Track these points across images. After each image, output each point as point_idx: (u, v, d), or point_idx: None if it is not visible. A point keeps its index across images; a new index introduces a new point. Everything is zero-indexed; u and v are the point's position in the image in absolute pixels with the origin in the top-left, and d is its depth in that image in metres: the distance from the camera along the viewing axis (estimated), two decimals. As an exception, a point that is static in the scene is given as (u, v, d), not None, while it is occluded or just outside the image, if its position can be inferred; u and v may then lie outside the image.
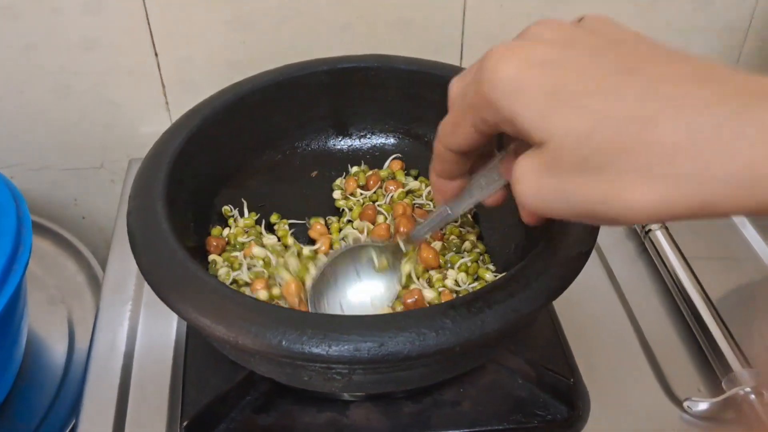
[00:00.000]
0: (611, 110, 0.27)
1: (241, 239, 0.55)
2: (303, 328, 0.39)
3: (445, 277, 0.51)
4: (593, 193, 0.28)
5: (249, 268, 0.52)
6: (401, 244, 0.49)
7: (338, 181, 0.61)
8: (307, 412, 0.50)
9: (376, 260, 0.50)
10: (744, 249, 0.64)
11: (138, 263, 0.45)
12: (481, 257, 0.54)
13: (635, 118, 0.27)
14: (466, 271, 0.52)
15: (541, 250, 0.43)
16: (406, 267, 0.50)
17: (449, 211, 0.44)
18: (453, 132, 0.36)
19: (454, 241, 0.55)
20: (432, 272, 0.52)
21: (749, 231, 0.65)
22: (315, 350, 0.38)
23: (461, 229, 0.56)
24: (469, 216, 0.57)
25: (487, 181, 0.40)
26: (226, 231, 0.56)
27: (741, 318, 0.56)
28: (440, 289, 0.50)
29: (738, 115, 0.25)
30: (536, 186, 0.30)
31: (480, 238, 0.56)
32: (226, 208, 0.57)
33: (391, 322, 0.39)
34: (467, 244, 0.54)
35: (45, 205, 0.81)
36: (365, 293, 0.50)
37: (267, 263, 0.53)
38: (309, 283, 0.50)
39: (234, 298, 0.41)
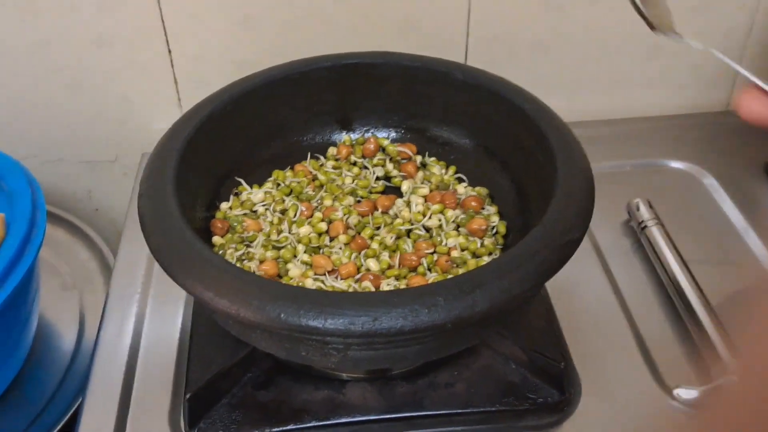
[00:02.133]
0: None
1: (236, 212, 0.57)
2: (301, 302, 0.41)
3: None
4: None
5: (251, 243, 0.54)
6: None
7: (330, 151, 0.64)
8: (305, 389, 0.51)
9: None
10: (744, 254, 0.65)
11: (147, 242, 0.47)
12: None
13: None
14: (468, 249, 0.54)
15: (534, 235, 0.44)
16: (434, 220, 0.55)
17: None
18: None
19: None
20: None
21: (751, 238, 0.66)
22: (311, 323, 0.40)
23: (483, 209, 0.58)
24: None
25: None
26: (224, 205, 0.58)
27: (731, 309, 0.57)
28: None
29: None
30: None
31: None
32: (242, 187, 0.59)
33: (386, 298, 0.41)
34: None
35: (60, 197, 0.83)
36: None
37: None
38: None
39: (236, 274, 0.43)
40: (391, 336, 0.40)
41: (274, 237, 0.56)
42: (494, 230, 0.56)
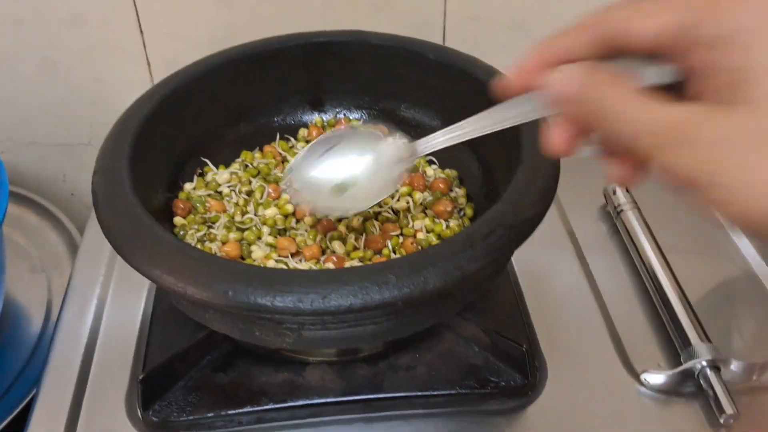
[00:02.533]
0: None
1: (200, 192, 0.56)
2: (249, 279, 0.40)
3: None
4: None
5: (213, 224, 0.53)
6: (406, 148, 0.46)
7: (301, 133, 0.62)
8: (265, 371, 0.50)
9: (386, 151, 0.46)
10: (721, 241, 0.63)
11: (98, 219, 0.46)
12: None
13: None
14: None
15: (491, 213, 0.43)
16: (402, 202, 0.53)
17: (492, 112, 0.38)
18: (647, 16, 0.30)
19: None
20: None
21: (743, 241, 0.64)
22: (260, 301, 0.39)
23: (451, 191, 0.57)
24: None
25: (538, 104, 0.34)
26: (188, 186, 0.56)
27: (703, 295, 0.56)
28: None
29: None
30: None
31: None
32: (207, 167, 0.58)
33: (337, 276, 0.40)
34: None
35: (34, 180, 0.82)
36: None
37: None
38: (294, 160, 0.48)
39: (185, 251, 0.42)
40: (342, 314, 0.39)
41: (238, 218, 0.55)
42: (462, 212, 0.55)
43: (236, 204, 0.56)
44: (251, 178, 0.58)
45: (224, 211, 0.55)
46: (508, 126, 0.38)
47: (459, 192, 0.56)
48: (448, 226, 0.53)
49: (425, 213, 0.55)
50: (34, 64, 0.74)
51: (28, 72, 0.74)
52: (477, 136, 0.41)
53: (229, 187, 0.57)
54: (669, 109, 0.28)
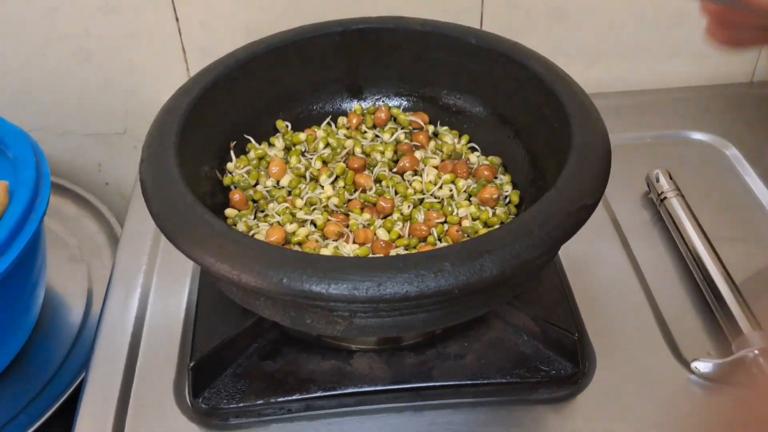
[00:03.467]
0: None
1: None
2: (304, 267, 0.40)
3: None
4: None
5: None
6: None
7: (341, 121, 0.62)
8: (312, 359, 0.50)
9: None
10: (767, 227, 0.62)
11: (149, 208, 0.46)
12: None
13: None
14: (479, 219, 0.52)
15: (546, 200, 0.43)
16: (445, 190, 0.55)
17: None
18: None
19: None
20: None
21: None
22: (315, 288, 0.39)
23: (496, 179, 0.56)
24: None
25: None
26: (230, 165, 0.57)
27: (753, 283, 0.55)
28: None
29: None
30: None
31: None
32: (280, 122, 0.60)
33: (392, 263, 0.40)
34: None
35: (69, 170, 0.83)
36: None
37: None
38: None
39: (239, 239, 0.42)
40: (396, 302, 0.39)
41: (299, 194, 0.55)
42: (507, 200, 0.55)
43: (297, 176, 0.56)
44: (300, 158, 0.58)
45: (285, 173, 0.56)
46: None
47: (504, 179, 0.56)
48: (494, 214, 0.53)
49: (469, 201, 0.55)
50: (68, 53, 0.74)
51: (62, 61, 0.74)
52: None
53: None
54: None
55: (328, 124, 0.62)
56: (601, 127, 0.48)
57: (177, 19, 0.72)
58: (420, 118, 0.61)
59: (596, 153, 0.46)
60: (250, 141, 0.58)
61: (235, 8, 0.72)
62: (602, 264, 0.59)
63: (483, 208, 0.53)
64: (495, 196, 0.53)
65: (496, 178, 0.56)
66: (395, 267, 0.39)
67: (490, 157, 0.58)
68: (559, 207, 0.42)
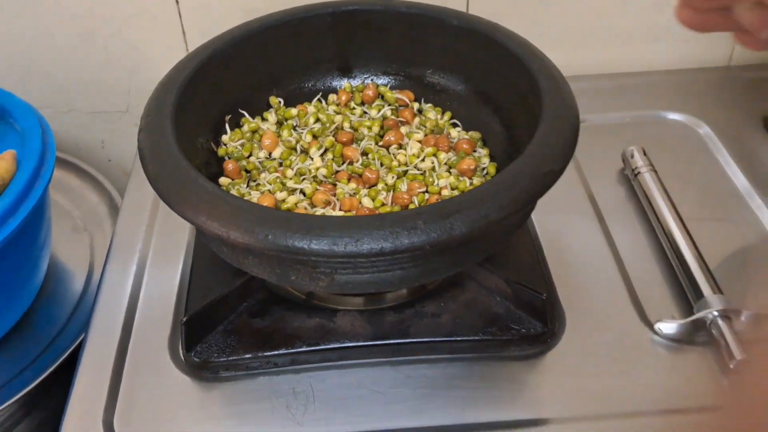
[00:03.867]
0: None
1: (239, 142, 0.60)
2: (288, 224, 0.43)
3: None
4: None
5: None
6: None
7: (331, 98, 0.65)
8: (298, 317, 0.54)
9: None
10: (735, 200, 0.65)
11: (145, 172, 0.49)
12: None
13: None
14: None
15: (515, 165, 0.46)
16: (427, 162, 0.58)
17: None
18: None
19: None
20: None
21: (742, 184, 0.67)
22: (298, 244, 0.42)
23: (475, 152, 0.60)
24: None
25: None
26: (224, 137, 0.60)
27: (717, 251, 0.58)
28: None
29: None
30: None
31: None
32: (273, 98, 0.63)
33: (369, 222, 0.43)
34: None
35: (74, 147, 0.86)
36: None
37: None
38: None
39: (228, 199, 0.45)
40: (373, 257, 0.42)
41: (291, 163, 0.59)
42: (485, 171, 0.58)
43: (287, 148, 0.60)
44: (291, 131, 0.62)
45: (277, 145, 0.60)
46: None
47: (482, 152, 0.59)
48: (471, 184, 0.56)
49: (449, 172, 0.58)
50: (73, 34, 0.77)
51: (67, 41, 0.78)
52: None
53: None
54: None
55: (319, 100, 0.65)
56: (571, 100, 0.51)
57: (177, 2, 0.75)
58: (406, 96, 0.64)
59: (564, 123, 0.49)
60: (244, 115, 0.62)
61: (233, -9, 0.75)
62: (576, 234, 0.62)
63: (461, 178, 0.57)
64: (472, 167, 0.56)
65: (475, 151, 0.59)
66: (372, 225, 0.43)
67: (470, 132, 0.61)
68: (527, 172, 0.45)
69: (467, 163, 0.56)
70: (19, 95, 0.66)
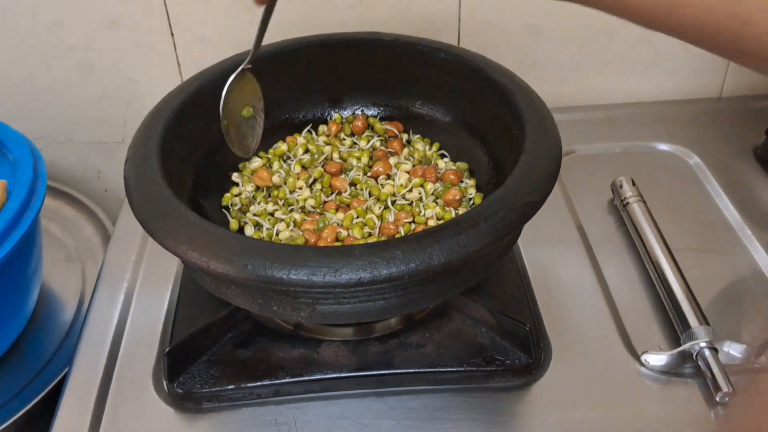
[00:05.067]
0: None
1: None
2: (267, 254, 0.43)
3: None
4: None
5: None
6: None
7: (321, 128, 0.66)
8: (282, 348, 0.53)
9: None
10: (724, 230, 0.65)
11: (129, 201, 0.49)
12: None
13: None
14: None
15: (495, 196, 0.46)
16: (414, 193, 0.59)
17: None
18: None
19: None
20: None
21: (732, 215, 0.66)
22: (277, 274, 0.42)
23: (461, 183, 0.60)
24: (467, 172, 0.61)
25: None
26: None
27: (704, 283, 0.58)
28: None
29: None
30: None
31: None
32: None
33: (347, 252, 0.43)
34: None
35: (70, 177, 0.87)
36: None
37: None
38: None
39: (209, 229, 0.45)
40: (352, 287, 0.42)
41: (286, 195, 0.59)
42: (471, 202, 0.58)
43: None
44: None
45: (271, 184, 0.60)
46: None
47: (469, 183, 0.59)
48: (456, 214, 0.56)
49: (436, 203, 0.58)
50: (71, 65, 0.78)
51: (66, 73, 0.79)
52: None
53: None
54: None
55: (309, 131, 0.66)
56: (554, 131, 0.52)
57: (172, 35, 0.76)
58: (395, 127, 0.65)
59: (546, 154, 0.49)
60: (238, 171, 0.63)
61: (226, 25, 0.76)
62: (564, 264, 0.62)
63: (447, 208, 0.57)
64: (458, 198, 0.57)
65: (461, 182, 0.59)
66: (351, 255, 0.43)
67: (458, 163, 0.61)
68: (506, 202, 0.45)
69: (453, 194, 0.57)
70: (17, 125, 0.66)
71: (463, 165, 0.61)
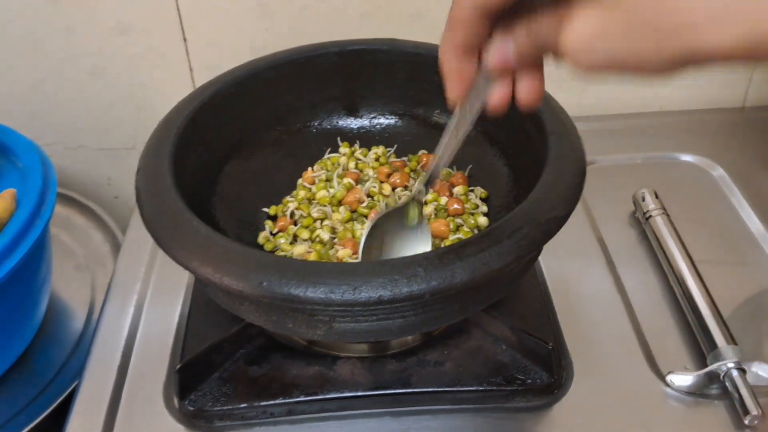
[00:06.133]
0: None
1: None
2: (284, 271, 0.42)
3: None
4: (645, 44, 0.29)
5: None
6: (419, 188, 0.49)
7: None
8: (297, 365, 0.52)
9: (409, 215, 0.50)
10: (750, 245, 0.63)
11: (141, 214, 0.48)
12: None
13: None
14: None
15: (518, 211, 0.44)
16: (428, 208, 0.57)
17: (458, 116, 0.41)
18: None
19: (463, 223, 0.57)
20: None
21: (757, 228, 0.65)
22: (294, 291, 0.41)
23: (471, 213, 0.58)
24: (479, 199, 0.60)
25: (485, 80, 0.38)
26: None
27: (730, 299, 0.56)
28: None
29: None
30: (594, 40, 0.30)
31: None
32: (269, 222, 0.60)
33: (367, 268, 0.42)
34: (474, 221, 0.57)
35: (81, 183, 0.86)
36: (407, 247, 0.51)
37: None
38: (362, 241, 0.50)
39: (222, 243, 0.44)
40: (371, 305, 0.41)
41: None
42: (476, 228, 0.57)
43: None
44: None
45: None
46: (478, 112, 0.40)
47: (477, 201, 0.58)
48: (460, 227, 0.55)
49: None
50: (84, 71, 0.77)
51: (78, 78, 0.78)
52: (460, 145, 0.44)
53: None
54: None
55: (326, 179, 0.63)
56: (578, 143, 0.50)
57: (185, 40, 0.75)
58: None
59: (570, 168, 0.48)
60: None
61: (241, 30, 0.75)
62: (586, 279, 0.60)
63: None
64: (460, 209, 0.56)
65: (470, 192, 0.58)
66: (371, 272, 0.41)
67: (476, 188, 0.60)
68: (530, 218, 0.44)
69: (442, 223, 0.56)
70: (28, 131, 0.65)
71: (480, 191, 0.60)
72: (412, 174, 0.62)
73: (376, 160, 0.63)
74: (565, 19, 0.31)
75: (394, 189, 0.60)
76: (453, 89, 0.38)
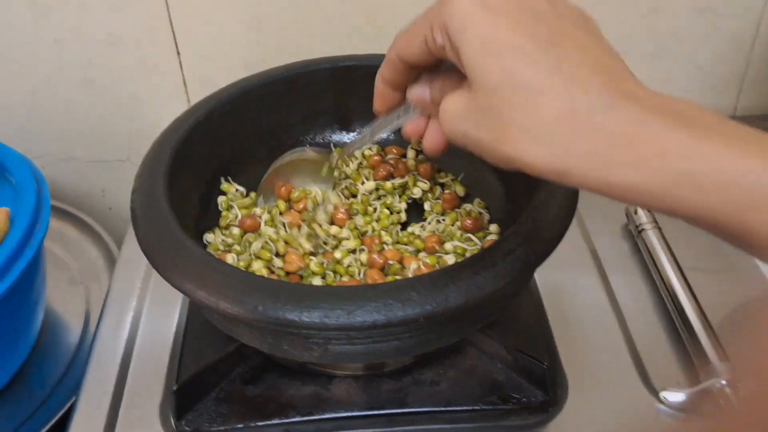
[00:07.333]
0: (519, 72, 0.31)
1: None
2: (278, 295, 0.42)
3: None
4: (487, 137, 0.33)
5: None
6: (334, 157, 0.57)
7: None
8: (293, 385, 0.52)
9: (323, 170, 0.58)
10: (743, 260, 0.64)
11: (137, 236, 0.48)
12: None
13: (532, 85, 0.31)
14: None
15: (512, 233, 0.45)
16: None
17: (376, 124, 0.48)
18: (407, 42, 0.39)
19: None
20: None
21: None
22: (288, 316, 0.41)
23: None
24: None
25: (406, 109, 0.44)
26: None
27: (723, 315, 0.57)
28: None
29: (610, 108, 0.31)
30: (455, 116, 0.35)
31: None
32: (225, 185, 0.60)
33: (362, 293, 0.42)
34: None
35: (74, 195, 0.85)
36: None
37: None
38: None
39: (218, 267, 0.44)
40: (366, 329, 0.41)
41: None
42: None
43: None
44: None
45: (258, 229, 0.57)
46: (395, 128, 0.47)
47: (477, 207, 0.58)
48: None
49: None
50: (73, 83, 0.77)
51: (68, 90, 0.77)
52: (376, 138, 0.50)
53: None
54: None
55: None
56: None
57: (178, 53, 0.75)
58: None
59: (563, 190, 0.48)
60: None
61: (233, 43, 0.75)
62: (579, 294, 0.60)
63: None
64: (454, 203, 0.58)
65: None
66: (365, 296, 0.41)
67: (476, 200, 0.60)
68: (524, 239, 0.44)
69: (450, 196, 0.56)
70: (18, 143, 0.65)
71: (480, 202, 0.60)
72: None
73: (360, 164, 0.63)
74: (451, 90, 0.36)
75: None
76: (376, 105, 0.46)
